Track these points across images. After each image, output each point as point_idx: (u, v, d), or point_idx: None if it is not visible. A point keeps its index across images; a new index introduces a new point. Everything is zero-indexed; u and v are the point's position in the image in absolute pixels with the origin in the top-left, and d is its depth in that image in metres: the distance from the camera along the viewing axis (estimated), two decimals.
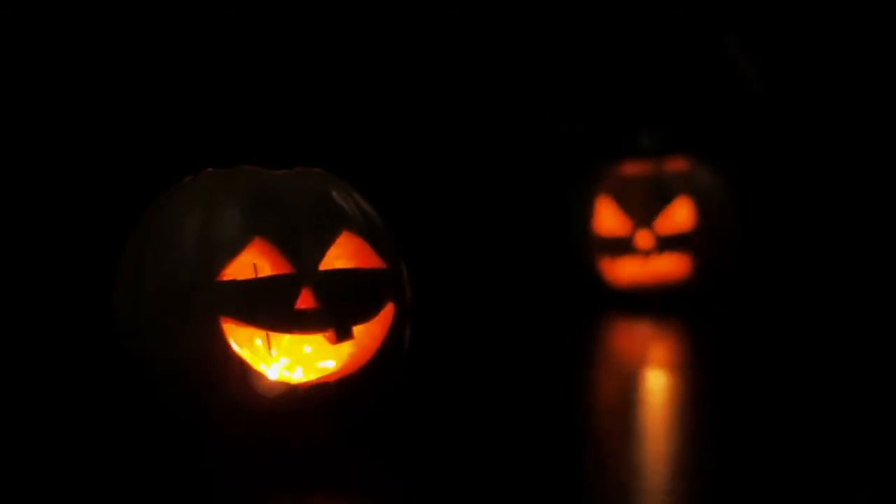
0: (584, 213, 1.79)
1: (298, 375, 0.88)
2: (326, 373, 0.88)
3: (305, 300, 0.85)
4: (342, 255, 0.88)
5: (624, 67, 2.07)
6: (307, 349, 0.88)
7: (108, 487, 0.85)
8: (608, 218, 1.76)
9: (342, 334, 0.86)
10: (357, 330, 0.87)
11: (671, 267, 1.73)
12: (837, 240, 2.04)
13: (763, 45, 2.06)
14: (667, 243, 1.72)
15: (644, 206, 1.73)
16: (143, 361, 0.86)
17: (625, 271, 1.75)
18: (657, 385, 1.28)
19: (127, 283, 0.87)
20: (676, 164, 1.77)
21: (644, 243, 1.72)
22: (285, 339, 0.88)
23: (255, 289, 0.84)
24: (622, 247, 1.74)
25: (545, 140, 2.04)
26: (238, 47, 1.65)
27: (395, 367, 0.91)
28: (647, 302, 1.75)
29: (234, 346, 0.84)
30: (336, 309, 0.86)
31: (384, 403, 0.94)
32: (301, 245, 0.86)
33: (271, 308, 0.84)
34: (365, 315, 0.88)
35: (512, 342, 1.50)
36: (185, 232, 0.85)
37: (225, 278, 0.84)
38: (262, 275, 0.86)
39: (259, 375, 0.85)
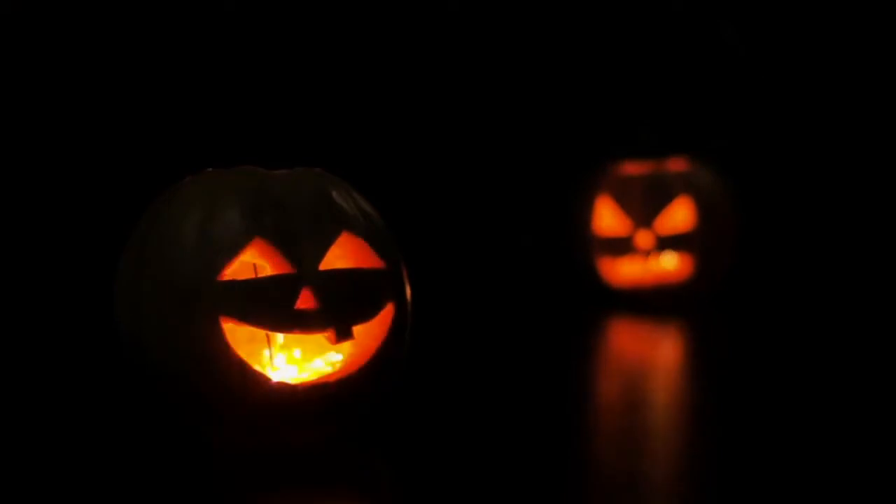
0: (584, 213, 1.79)
1: (298, 375, 0.88)
2: (326, 373, 0.88)
3: (305, 300, 0.85)
4: (342, 255, 0.88)
5: (624, 67, 2.07)
6: (307, 349, 0.88)
7: (109, 487, 0.85)
8: (608, 218, 1.76)
9: (342, 334, 0.86)
10: (357, 330, 0.87)
11: (671, 267, 1.73)
12: (837, 239, 2.04)
13: (763, 44, 2.06)
14: (667, 243, 1.72)
15: (644, 206, 1.73)
16: (143, 361, 0.86)
17: (625, 271, 1.75)
18: (657, 385, 1.28)
19: (127, 283, 0.87)
20: (676, 164, 1.77)
21: (644, 243, 1.72)
22: (285, 339, 0.88)
23: (255, 289, 0.84)
24: (622, 247, 1.74)
25: (545, 140, 2.05)
26: (238, 48, 1.65)
27: (394, 366, 0.91)
28: (647, 302, 1.74)
29: (234, 346, 0.84)
30: (336, 309, 0.86)
31: (384, 403, 0.94)
32: (301, 245, 0.86)
33: (271, 308, 0.84)
34: (365, 315, 0.88)
35: (512, 342, 1.50)
36: (185, 232, 0.85)
37: (225, 278, 0.84)
38: (262, 275, 0.86)
39: (259, 375, 0.85)
